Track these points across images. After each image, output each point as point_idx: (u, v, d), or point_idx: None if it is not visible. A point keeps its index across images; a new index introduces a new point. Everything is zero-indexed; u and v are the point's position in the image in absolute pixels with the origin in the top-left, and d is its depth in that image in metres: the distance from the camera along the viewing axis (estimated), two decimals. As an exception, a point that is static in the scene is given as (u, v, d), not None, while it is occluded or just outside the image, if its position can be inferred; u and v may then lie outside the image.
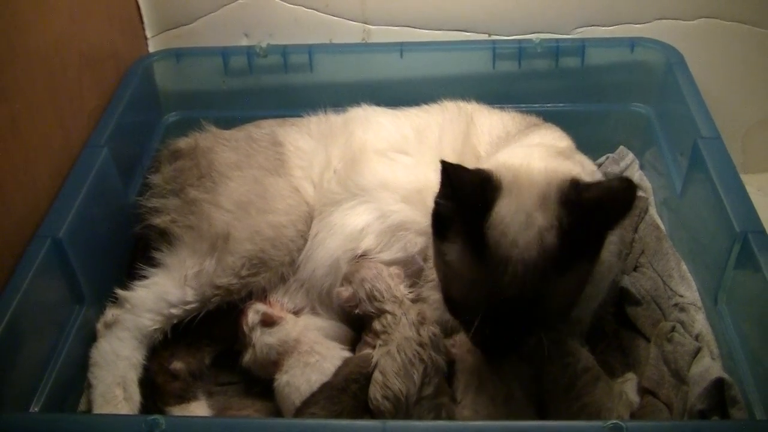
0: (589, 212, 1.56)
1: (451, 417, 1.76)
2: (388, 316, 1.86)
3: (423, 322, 1.85)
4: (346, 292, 1.93)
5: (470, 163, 1.96)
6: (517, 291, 1.54)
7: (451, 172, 1.55)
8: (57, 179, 1.97)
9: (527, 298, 1.55)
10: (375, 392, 1.74)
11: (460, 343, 1.89)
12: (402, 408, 1.72)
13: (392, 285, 1.91)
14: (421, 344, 1.80)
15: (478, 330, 1.57)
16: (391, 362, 1.77)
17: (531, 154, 1.76)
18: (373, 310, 1.89)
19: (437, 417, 1.74)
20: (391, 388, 1.73)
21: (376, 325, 1.87)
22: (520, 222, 1.56)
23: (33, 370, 1.75)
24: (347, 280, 1.95)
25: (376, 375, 1.77)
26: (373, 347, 1.85)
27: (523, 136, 2.04)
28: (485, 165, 1.71)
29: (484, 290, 1.57)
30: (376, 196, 2.01)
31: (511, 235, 1.55)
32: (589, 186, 1.60)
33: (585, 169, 1.90)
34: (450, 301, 1.70)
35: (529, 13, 2.49)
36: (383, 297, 1.89)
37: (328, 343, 1.93)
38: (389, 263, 1.97)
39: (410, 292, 1.94)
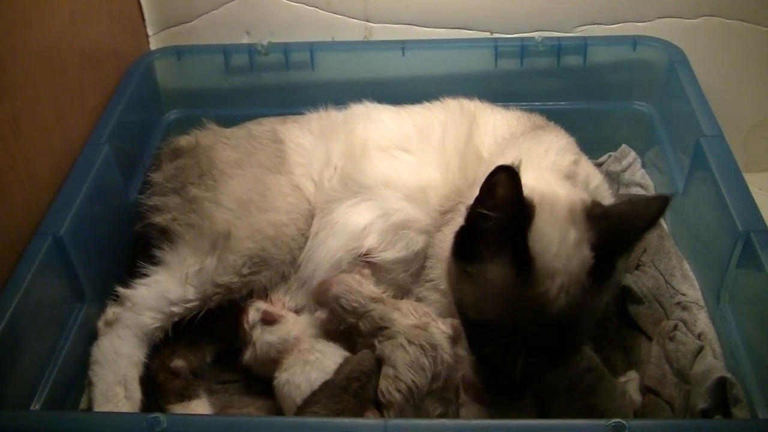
0: (617, 225, 1.58)
1: (456, 413, 1.76)
2: (374, 314, 1.85)
3: (418, 310, 1.86)
4: (323, 314, 1.91)
5: (472, 164, 1.97)
6: (564, 305, 1.53)
7: (503, 180, 1.51)
8: (58, 177, 1.97)
9: (573, 312, 1.53)
10: (387, 386, 1.74)
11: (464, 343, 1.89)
12: (412, 400, 1.72)
13: (364, 290, 1.90)
14: (425, 329, 1.81)
15: (500, 363, 1.55)
16: (403, 354, 1.76)
17: (544, 178, 1.77)
18: (355, 320, 1.87)
19: (444, 411, 1.74)
20: (403, 381, 1.73)
21: (362, 326, 1.86)
22: (558, 236, 1.57)
23: (34, 368, 1.74)
24: (319, 303, 1.92)
25: (386, 369, 1.76)
26: (370, 346, 1.84)
27: (527, 139, 2.03)
28: None
29: (529, 307, 1.53)
30: (378, 194, 2.00)
31: (554, 248, 1.55)
32: (618, 204, 1.66)
33: (590, 186, 1.92)
34: (483, 325, 1.60)
35: (531, 11, 2.49)
36: (363, 303, 1.87)
37: (328, 340, 1.93)
38: (392, 262, 1.97)
39: (383, 291, 1.93)
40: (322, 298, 1.92)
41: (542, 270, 1.53)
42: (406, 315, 1.85)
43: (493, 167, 1.66)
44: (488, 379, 1.64)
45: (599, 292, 1.59)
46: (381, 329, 1.84)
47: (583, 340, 1.64)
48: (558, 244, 1.56)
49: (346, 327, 1.89)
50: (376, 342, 1.83)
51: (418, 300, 1.95)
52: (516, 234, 1.53)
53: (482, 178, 1.88)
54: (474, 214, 1.60)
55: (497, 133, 2.07)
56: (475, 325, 1.63)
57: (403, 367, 1.75)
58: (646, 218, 1.58)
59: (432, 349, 1.77)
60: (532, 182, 1.67)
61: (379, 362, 1.80)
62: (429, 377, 1.74)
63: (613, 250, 1.59)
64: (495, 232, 1.56)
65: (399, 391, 1.72)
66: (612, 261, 1.59)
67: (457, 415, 1.76)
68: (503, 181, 1.51)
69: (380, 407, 1.75)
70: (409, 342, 1.78)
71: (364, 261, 1.97)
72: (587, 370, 1.79)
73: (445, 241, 1.92)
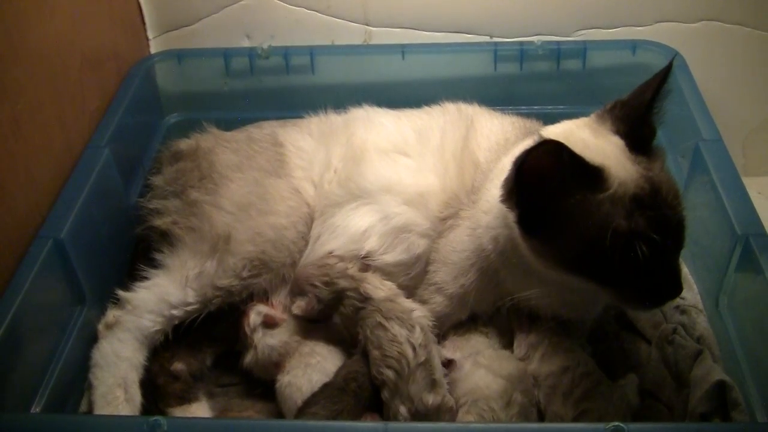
0: (628, 104, 1.73)
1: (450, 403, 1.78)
2: (350, 294, 1.88)
3: (384, 283, 1.91)
4: (302, 302, 1.92)
5: (468, 171, 1.98)
6: (630, 179, 1.60)
7: (544, 156, 1.57)
8: (58, 180, 1.97)
9: (646, 183, 1.61)
10: (377, 367, 1.77)
11: (458, 347, 1.89)
12: (404, 373, 1.74)
13: (330, 261, 1.94)
14: (395, 301, 1.86)
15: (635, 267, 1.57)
16: (383, 332, 1.80)
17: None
18: (333, 295, 1.89)
19: (433, 390, 1.75)
20: (390, 356, 1.76)
21: (343, 309, 1.89)
22: (582, 141, 1.68)
23: (34, 370, 1.75)
24: (296, 294, 1.95)
25: (373, 353, 1.79)
26: (356, 335, 1.87)
27: (521, 144, 2.03)
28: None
29: (616, 202, 1.58)
30: (378, 198, 2.00)
31: (592, 152, 1.63)
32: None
33: None
34: (592, 248, 1.59)
35: (531, 15, 2.50)
36: (333, 278, 1.90)
37: (328, 344, 1.94)
38: (392, 265, 1.97)
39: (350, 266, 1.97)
40: (298, 289, 1.94)
41: (603, 174, 1.60)
42: (376, 288, 1.88)
43: (489, 174, 1.78)
44: (642, 294, 1.64)
45: (651, 161, 1.66)
46: (359, 310, 1.86)
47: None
48: (583, 146, 1.64)
49: (326, 311, 1.91)
50: (359, 328, 1.85)
51: (422, 302, 1.95)
52: (577, 169, 1.59)
53: (479, 186, 1.91)
54: (536, 202, 1.63)
55: (492, 139, 2.07)
56: (588, 257, 1.62)
57: (387, 343, 1.78)
58: (653, 86, 1.69)
59: (408, 318, 1.81)
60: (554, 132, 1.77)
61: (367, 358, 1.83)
62: (415, 347, 1.77)
63: (634, 126, 1.69)
64: (556, 192, 1.61)
65: (389, 367, 1.75)
66: (641, 135, 1.69)
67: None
68: (544, 154, 1.56)
69: (381, 400, 1.77)
70: (386, 318, 1.81)
71: (365, 264, 1.97)
72: (584, 375, 1.79)
73: (449, 245, 1.94)
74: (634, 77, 2.39)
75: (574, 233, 1.62)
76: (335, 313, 1.92)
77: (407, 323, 1.81)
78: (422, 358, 1.76)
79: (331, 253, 1.98)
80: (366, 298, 1.87)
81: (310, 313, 1.93)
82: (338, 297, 1.90)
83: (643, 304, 1.69)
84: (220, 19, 2.56)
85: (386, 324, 1.80)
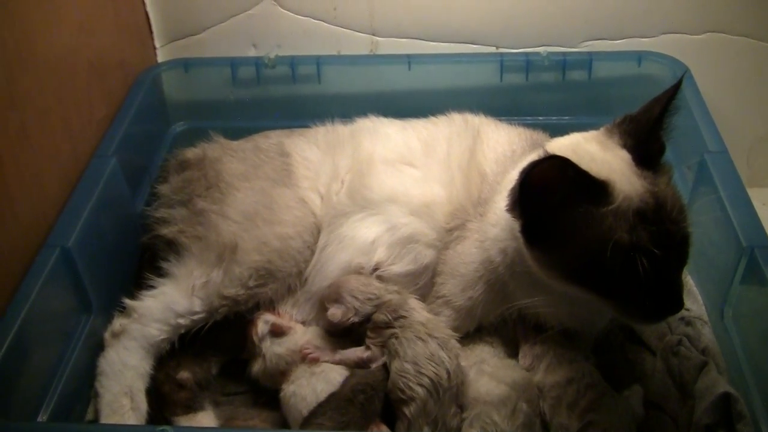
0: (637, 119, 1.74)
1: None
2: (393, 302, 1.87)
3: (424, 307, 1.90)
4: (338, 310, 1.91)
5: (475, 182, 1.98)
6: (634, 193, 1.62)
7: (551, 171, 1.58)
8: (66, 188, 1.98)
9: (650, 198, 1.62)
10: (407, 381, 1.75)
11: (463, 356, 1.89)
12: (436, 395, 1.73)
13: (377, 284, 1.92)
14: (437, 324, 1.85)
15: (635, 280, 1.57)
16: (423, 347, 1.78)
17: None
18: (373, 309, 1.88)
19: (459, 411, 1.76)
20: (426, 374, 1.74)
21: (379, 317, 1.86)
22: (589, 155, 1.69)
23: (41, 379, 1.75)
24: (333, 301, 1.93)
25: (404, 366, 1.77)
26: (382, 346, 1.85)
27: (528, 156, 2.04)
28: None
29: (619, 216, 1.59)
30: (384, 209, 2.01)
31: (597, 166, 1.65)
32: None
33: None
34: (595, 260, 1.60)
35: (537, 26, 2.50)
36: (378, 294, 1.89)
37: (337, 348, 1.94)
38: (401, 276, 1.97)
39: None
40: (334, 296, 1.93)
41: (608, 188, 1.61)
42: (422, 309, 1.88)
43: (497, 186, 1.78)
44: (642, 308, 1.64)
45: (658, 176, 1.68)
46: (398, 318, 1.85)
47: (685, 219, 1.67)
48: (590, 159, 1.66)
49: (360, 321, 1.89)
50: (395, 332, 1.83)
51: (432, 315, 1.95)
52: (582, 183, 1.59)
53: (486, 198, 1.91)
54: (540, 214, 1.64)
55: (499, 150, 2.07)
56: (590, 269, 1.63)
57: (425, 361, 1.76)
58: (662, 101, 1.70)
59: (447, 342, 1.81)
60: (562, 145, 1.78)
61: (386, 370, 1.82)
62: (450, 371, 1.76)
63: (642, 141, 1.71)
64: (559, 204, 1.61)
65: (421, 385, 1.73)
66: (649, 150, 1.71)
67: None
68: (549, 168, 1.57)
69: (395, 410, 1.76)
70: (429, 334, 1.80)
71: (375, 276, 1.97)
72: (590, 386, 1.79)
73: (457, 258, 1.94)
74: (640, 88, 2.42)
75: (576, 245, 1.62)
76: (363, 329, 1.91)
77: (445, 346, 1.80)
78: (454, 382, 1.76)
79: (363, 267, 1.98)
80: (409, 311, 1.87)
81: (344, 323, 1.91)
82: (379, 307, 1.89)
83: (642, 318, 1.69)
84: (226, 29, 2.56)
85: (428, 340, 1.79)
